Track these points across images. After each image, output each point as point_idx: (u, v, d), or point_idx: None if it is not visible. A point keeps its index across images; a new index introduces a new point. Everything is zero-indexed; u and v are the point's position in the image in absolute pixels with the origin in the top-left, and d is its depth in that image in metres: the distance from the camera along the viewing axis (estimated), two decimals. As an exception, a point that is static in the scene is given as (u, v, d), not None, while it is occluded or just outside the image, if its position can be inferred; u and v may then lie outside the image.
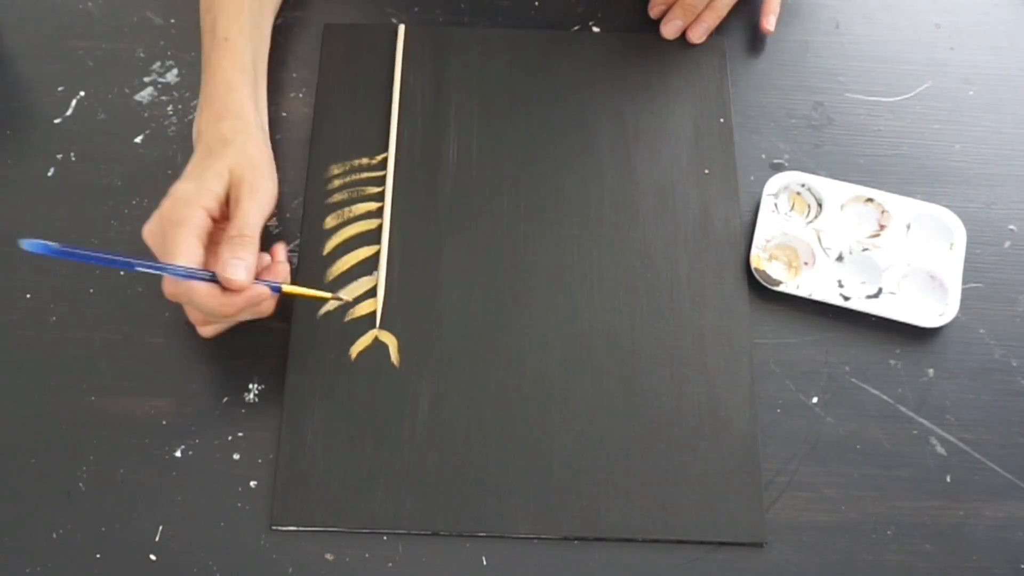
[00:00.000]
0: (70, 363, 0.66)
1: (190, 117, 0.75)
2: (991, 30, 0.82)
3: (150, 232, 0.62)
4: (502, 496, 0.63)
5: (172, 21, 0.80)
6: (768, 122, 0.77)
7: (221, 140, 0.64)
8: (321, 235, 0.71)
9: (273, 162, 0.67)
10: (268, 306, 0.63)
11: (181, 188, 0.62)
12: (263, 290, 0.61)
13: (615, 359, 0.67)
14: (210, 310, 0.61)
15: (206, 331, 0.65)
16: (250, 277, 0.60)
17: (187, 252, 0.59)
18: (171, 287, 0.61)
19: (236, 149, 0.64)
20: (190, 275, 0.59)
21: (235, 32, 0.69)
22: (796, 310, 0.70)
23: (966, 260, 0.71)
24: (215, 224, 0.62)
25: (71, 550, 0.61)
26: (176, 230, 0.59)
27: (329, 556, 0.61)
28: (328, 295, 0.67)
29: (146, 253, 0.62)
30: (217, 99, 0.67)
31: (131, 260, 0.59)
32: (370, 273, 0.70)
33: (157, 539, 0.61)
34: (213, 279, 0.60)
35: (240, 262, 0.60)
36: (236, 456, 0.64)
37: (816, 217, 0.73)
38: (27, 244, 0.55)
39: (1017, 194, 0.75)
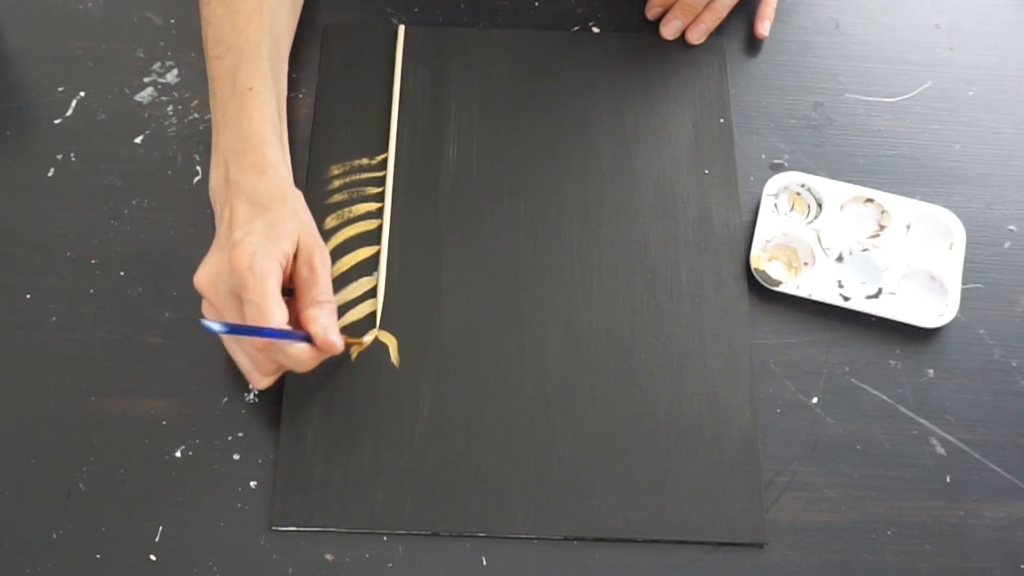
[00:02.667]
0: (70, 363, 0.66)
1: (190, 117, 0.76)
2: (991, 30, 0.83)
3: (209, 280, 0.60)
4: (502, 496, 0.63)
5: (172, 21, 0.80)
6: (768, 122, 0.77)
7: (269, 196, 0.62)
8: (321, 235, 0.71)
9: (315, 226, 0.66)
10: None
11: (253, 240, 0.59)
12: (343, 343, 0.62)
13: (615, 359, 0.67)
14: (298, 363, 0.61)
15: (265, 381, 0.63)
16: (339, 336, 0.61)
17: (280, 305, 0.58)
18: (265, 341, 0.59)
19: (291, 212, 0.62)
20: (289, 336, 0.59)
21: (258, 82, 0.67)
22: (796, 310, 0.70)
23: (966, 260, 0.71)
24: None
25: (71, 550, 0.61)
26: (263, 282, 0.58)
27: (329, 556, 0.61)
28: (358, 341, 0.67)
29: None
30: (251, 151, 0.65)
31: (271, 331, 0.58)
32: (370, 274, 0.70)
33: (157, 539, 0.61)
34: (308, 340, 0.60)
35: (334, 325, 0.61)
36: (236, 456, 0.64)
37: (816, 217, 0.73)
38: (207, 324, 0.56)
39: (1017, 194, 0.75)
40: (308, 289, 0.61)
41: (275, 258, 0.59)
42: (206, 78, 0.70)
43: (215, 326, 0.56)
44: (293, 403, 0.65)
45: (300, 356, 0.60)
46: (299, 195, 0.65)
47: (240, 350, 0.63)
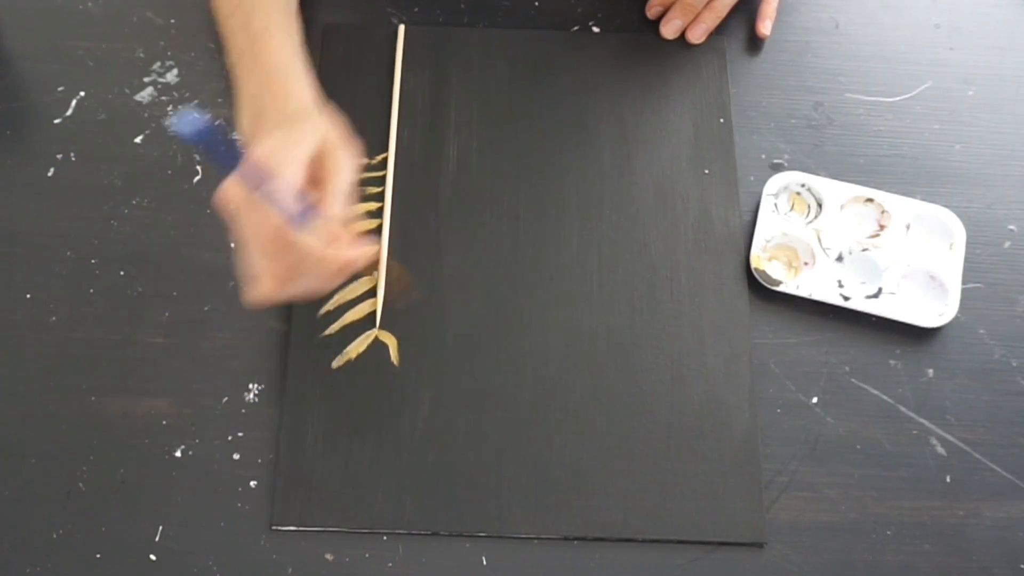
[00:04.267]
0: (70, 363, 0.67)
1: (190, 117, 0.75)
2: (991, 30, 0.82)
3: (233, 188, 0.57)
4: (502, 496, 0.63)
5: (172, 21, 0.80)
6: (768, 122, 0.77)
7: (292, 118, 0.61)
8: (321, 235, 0.71)
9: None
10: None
11: (270, 142, 0.58)
12: (366, 251, 0.59)
13: (615, 359, 0.67)
14: (314, 260, 0.57)
15: (267, 289, 0.58)
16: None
17: (298, 171, 0.56)
18: (295, 206, 0.56)
19: (310, 125, 0.60)
20: (299, 215, 0.56)
21: (272, 23, 0.66)
22: (796, 310, 0.70)
23: (966, 260, 0.71)
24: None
25: (71, 550, 0.61)
26: (286, 163, 0.56)
27: (329, 556, 0.61)
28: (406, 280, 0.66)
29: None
30: (275, 82, 0.63)
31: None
32: (370, 273, 0.70)
33: (157, 539, 0.61)
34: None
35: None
36: (236, 456, 0.64)
37: (816, 217, 0.73)
38: (177, 122, 0.50)
39: (1017, 194, 0.75)
40: (327, 183, 0.58)
41: (293, 155, 0.57)
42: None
43: (187, 122, 0.50)
44: (293, 403, 0.65)
45: (317, 247, 0.57)
46: (323, 113, 0.63)
47: (257, 245, 0.58)
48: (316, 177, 0.59)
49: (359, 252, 0.59)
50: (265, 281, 0.58)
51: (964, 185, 0.75)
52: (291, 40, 0.67)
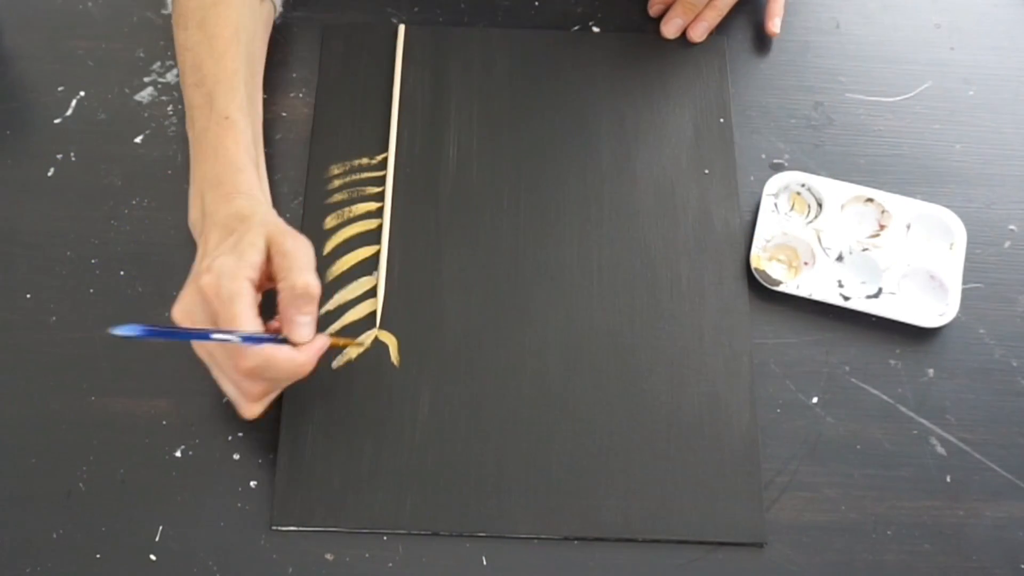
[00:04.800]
0: (70, 363, 0.66)
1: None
2: (991, 30, 0.82)
3: (185, 312, 0.59)
4: (502, 496, 0.63)
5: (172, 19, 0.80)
6: (768, 122, 0.77)
7: (239, 217, 0.61)
8: (321, 235, 0.71)
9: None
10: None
11: (219, 264, 0.58)
12: (326, 341, 0.61)
13: (615, 359, 0.67)
14: (289, 374, 0.60)
15: (255, 409, 0.61)
16: (314, 332, 0.60)
17: (250, 324, 0.57)
18: (249, 362, 0.57)
19: (259, 220, 0.61)
20: (259, 339, 0.57)
21: (235, 109, 0.67)
22: (796, 310, 0.70)
23: (966, 260, 0.71)
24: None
25: (71, 550, 0.61)
26: (231, 306, 0.57)
27: (329, 556, 0.61)
28: (352, 342, 0.66)
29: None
30: (226, 181, 0.64)
31: (207, 331, 0.57)
32: (370, 273, 0.70)
33: (157, 539, 0.61)
34: (284, 342, 0.59)
35: (308, 318, 0.59)
36: (236, 456, 0.64)
37: (816, 217, 0.73)
38: (118, 331, 0.54)
39: (1017, 194, 0.75)
40: (284, 274, 0.59)
41: (242, 275, 0.58)
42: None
43: (127, 330, 0.54)
44: (293, 403, 0.65)
45: (285, 362, 0.58)
46: (269, 209, 0.64)
47: (225, 378, 0.61)
48: (272, 271, 0.60)
49: (320, 342, 0.61)
50: (250, 407, 0.61)
51: (964, 185, 0.75)
52: (250, 129, 0.68)
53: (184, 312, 0.59)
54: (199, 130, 0.67)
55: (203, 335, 0.57)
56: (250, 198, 0.64)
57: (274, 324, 0.60)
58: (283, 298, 0.59)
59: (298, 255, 0.59)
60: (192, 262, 0.63)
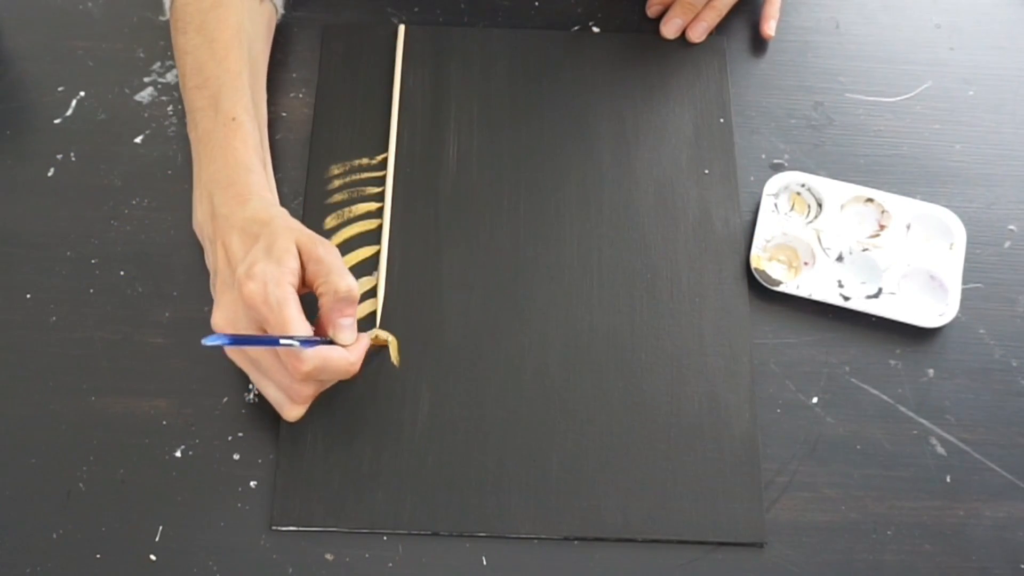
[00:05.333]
0: (70, 363, 0.66)
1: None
2: (991, 30, 0.83)
3: (228, 320, 0.60)
4: (502, 496, 0.63)
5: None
6: (768, 122, 0.77)
7: (258, 221, 0.62)
8: (321, 235, 0.71)
9: None
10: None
11: (259, 270, 0.58)
12: (368, 340, 0.62)
13: (615, 359, 0.67)
14: (341, 374, 0.61)
15: (300, 411, 0.62)
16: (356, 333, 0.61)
17: (302, 328, 0.58)
18: (307, 365, 0.58)
19: (282, 225, 0.61)
20: (312, 342, 0.58)
21: (241, 111, 0.67)
22: (796, 310, 0.70)
23: (966, 260, 0.71)
24: None
25: (71, 550, 0.61)
26: (281, 312, 0.57)
27: (329, 556, 0.61)
28: (381, 339, 0.66)
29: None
30: (237, 182, 0.64)
31: (276, 338, 0.58)
32: (370, 273, 0.70)
33: (157, 539, 0.61)
34: (331, 343, 0.60)
35: (351, 320, 0.60)
36: (236, 456, 0.64)
37: (816, 217, 0.73)
38: (208, 341, 0.55)
39: (1017, 194, 0.75)
40: (323, 279, 0.60)
41: (286, 281, 0.58)
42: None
43: (218, 339, 0.56)
44: (293, 403, 0.65)
45: (339, 363, 0.59)
46: (284, 212, 0.64)
47: (270, 383, 0.62)
48: (308, 278, 0.61)
49: (365, 341, 0.62)
50: (295, 408, 0.62)
51: (964, 185, 0.75)
52: (257, 131, 0.68)
53: (227, 320, 0.60)
54: (203, 132, 0.67)
55: (273, 341, 0.58)
56: (263, 200, 0.64)
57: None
58: (325, 302, 0.60)
59: (332, 260, 0.61)
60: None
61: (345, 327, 0.60)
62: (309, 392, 0.61)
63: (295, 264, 0.60)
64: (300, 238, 0.61)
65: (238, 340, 0.59)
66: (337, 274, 0.60)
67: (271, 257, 0.59)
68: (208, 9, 0.70)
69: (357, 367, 0.61)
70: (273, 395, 0.62)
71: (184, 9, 0.71)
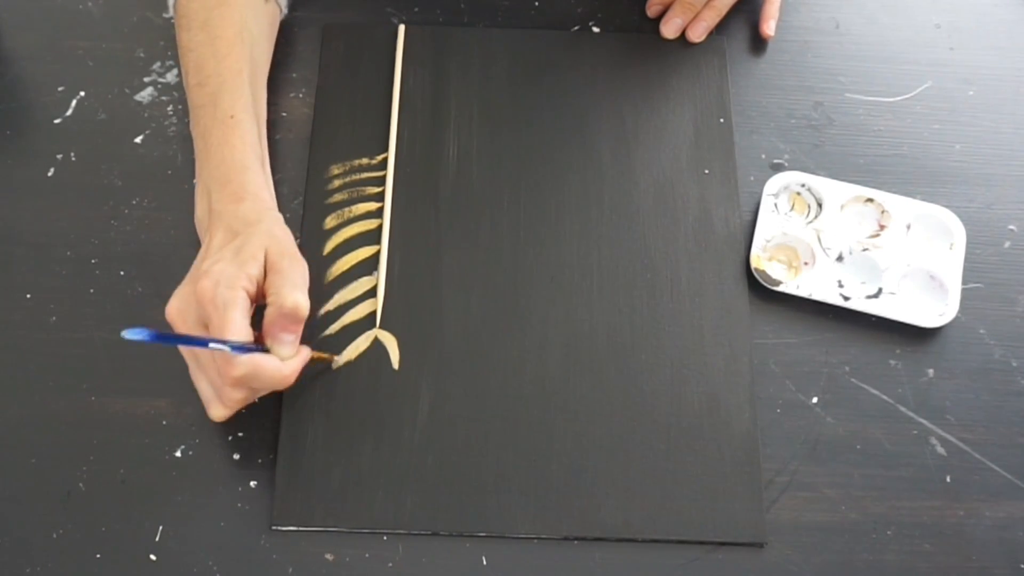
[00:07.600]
0: (70, 363, 0.66)
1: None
2: (991, 30, 0.83)
3: (178, 311, 0.60)
4: (502, 496, 0.63)
5: (172, 20, 0.80)
6: (768, 122, 0.77)
7: (245, 222, 0.62)
8: (321, 235, 0.71)
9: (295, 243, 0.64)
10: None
11: (218, 269, 0.59)
12: (308, 353, 0.62)
13: (615, 359, 0.67)
14: (272, 384, 0.60)
15: (225, 413, 0.62)
16: (296, 349, 0.61)
17: (242, 333, 0.58)
18: (237, 371, 0.58)
19: (264, 230, 0.62)
20: (247, 349, 0.58)
21: (240, 109, 0.67)
22: (796, 310, 0.70)
23: (966, 260, 0.71)
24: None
25: (71, 550, 0.61)
26: (224, 313, 0.57)
27: (329, 556, 0.61)
28: (327, 356, 0.66)
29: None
30: (232, 180, 0.65)
31: (205, 339, 0.58)
32: (370, 273, 0.70)
33: (157, 539, 0.61)
34: (266, 352, 0.59)
35: (292, 336, 0.60)
36: (236, 456, 0.64)
37: (816, 217, 0.73)
38: (128, 334, 0.54)
39: (1017, 194, 0.75)
40: (275, 291, 0.60)
41: (239, 285, 0.58)
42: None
43: (137, 333, 0.54)
44: (293, 403, 0.65)
45: (272, 371, 0.59)
46: (278, 217, 0.64)
47: (203, 378, 0.62)
48: (265, 287, 0.61)
49: (305, 354, 0.62)
50: (221, 410, 0.62)
51: (964, 185, 0.75)
52: (256, 129, 0.68)
53: (178, 311, 0.60)
54: (203, 129, 0.67)
55: (201, 343, 0.58)
56: (257, 200, 0.64)
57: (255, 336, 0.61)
58: (270, 313, 0.60)
59: (292, 274, 0.60)
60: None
61: (284, 342, 0.60)
62: (239, 397, 0.60)
63: (255, 271, 0.60)
64: (271, 246, 0.61)
65: (162, 338, 0.57)
66: (290, 288, 0.59)
67: (236, 259, 0.59)
68: (212, 7, 0.70)
69: (291, 380, 0.61)
70: (204, 391, 0.62)
71: (189, 6, 0.71)
